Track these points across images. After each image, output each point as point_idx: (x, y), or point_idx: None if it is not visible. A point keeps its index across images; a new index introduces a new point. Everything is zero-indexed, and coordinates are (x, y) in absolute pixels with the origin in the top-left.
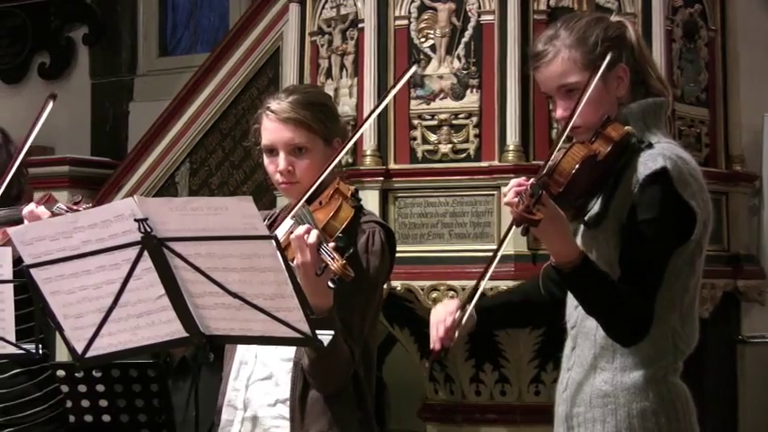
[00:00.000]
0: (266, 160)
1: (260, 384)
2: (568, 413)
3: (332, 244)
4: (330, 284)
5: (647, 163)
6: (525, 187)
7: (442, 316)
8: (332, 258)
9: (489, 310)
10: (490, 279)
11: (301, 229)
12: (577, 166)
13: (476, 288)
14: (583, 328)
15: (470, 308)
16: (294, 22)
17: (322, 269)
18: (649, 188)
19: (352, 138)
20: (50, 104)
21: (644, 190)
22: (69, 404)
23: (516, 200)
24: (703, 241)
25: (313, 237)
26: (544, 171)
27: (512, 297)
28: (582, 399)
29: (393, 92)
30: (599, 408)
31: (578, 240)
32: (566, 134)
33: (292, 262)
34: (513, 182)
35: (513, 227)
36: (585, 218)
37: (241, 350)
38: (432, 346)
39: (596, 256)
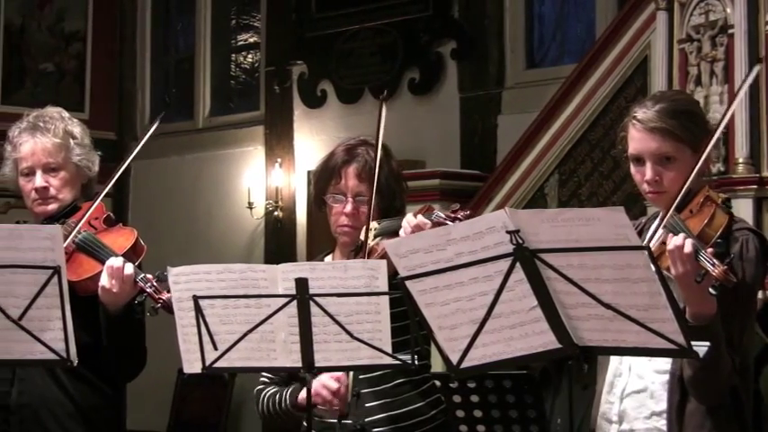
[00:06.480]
0: (633, 169)
1: (634, 397)
2: None
3: (710, 250)
4: (711, 291)
5: None
6: None
7: None
8: (712, 265)
9: None
10: None
11: (677, 240)
12: None
13: None
14: None
15: None
16: (662, 30)
17: (702, 276)
18: None
19: (706, 148)
20: None
21: None
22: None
23: None
24: None
25: (689, 246)
26: None
27: None
28: None
29: (740, 94)
30: None
31: None
32: None
33: (665, 271)
34: None
35: None
36: None
37: (614, 363)
38: None
39: None
